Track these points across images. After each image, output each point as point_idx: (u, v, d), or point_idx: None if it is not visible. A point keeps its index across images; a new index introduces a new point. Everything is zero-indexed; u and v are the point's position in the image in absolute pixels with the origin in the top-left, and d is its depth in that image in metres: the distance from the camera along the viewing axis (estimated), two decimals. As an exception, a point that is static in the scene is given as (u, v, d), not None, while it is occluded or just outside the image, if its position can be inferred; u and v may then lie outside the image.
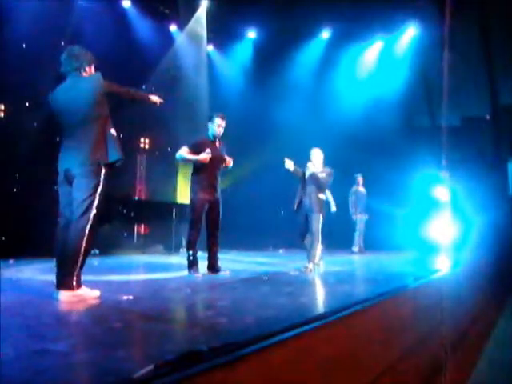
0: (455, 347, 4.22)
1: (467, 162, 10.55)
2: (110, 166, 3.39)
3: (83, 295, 3.23)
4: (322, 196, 6.08)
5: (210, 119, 5.24)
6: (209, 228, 5.19)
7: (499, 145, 11.25)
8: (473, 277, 6.28)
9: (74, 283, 3.19)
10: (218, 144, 5.27)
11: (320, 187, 6.06)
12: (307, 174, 6.10)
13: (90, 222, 3.24)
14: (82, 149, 3.31)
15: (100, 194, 3.32)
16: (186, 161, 5.33)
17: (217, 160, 5.13)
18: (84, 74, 3.52)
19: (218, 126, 5.19)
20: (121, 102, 3.59)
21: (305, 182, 6.10)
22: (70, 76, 3.49)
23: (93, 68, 3.59)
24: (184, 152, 5.12)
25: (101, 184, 3.32)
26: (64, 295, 3.17)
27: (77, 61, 3.47)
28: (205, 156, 4.96)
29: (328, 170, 6.17)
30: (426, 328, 3.75)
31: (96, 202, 3.29)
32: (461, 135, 11.15)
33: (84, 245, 3.21)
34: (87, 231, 3.23)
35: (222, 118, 5.23)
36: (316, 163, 6.18)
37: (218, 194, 5.22)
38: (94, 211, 3.27)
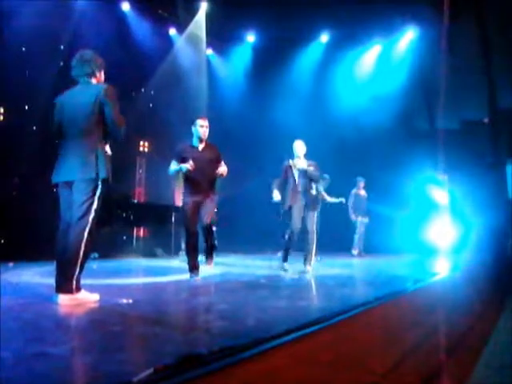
0: (454, 350, 4.22)
1: (466, 165, 10.57)
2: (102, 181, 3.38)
3: (82, 299, 3.23)
4: (313, 191, 6.12)
5: (192, 123, 5.23)
6: (201, 223, 5.14)
7: (498, 148, 11.25)
8: (472, 280, 6.28)
9: (74, 287, 3.19)
10: (202, 148, 5.21)
11: (312, 181, 6.09)
12: (296, 169, 6.06)
13: (89, 225, 3.25)
14: (81, 155, 3.31)
15: (99, 198, 3.32)
16: (176, 172, 5.36)
17: (202, 164, 5.06)
18: (94, 80, 3.54)
19: (200, 126, 5.18)
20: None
21: (288, 181, 6.08)
22: (80, 81, 3.51)
23: (102, 74, 3.61)
24: (172, 166, 5.20)
25: (99, 187, 3.33)
26: (63, 299, 3.17)
27: (88, 66, 3.49)
28: (187, 165, 4.94)
29: (313, 162, 6.13)
30: (425, 331, 3.75)
31: (95, 205, 3.30)
32: (459, 138, 11.17)
33: (83, 248, 3.21)
34: (86, 234, 3.23)
35: (204, 119, 5.25)
36: (300, 156, 6.16)
37: (209, 195, 5.16)
38: (92, 214, 3.28)
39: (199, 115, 5.39)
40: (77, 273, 3.21)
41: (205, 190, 5.13)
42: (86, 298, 3.26)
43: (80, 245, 3.20)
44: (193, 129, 5.23)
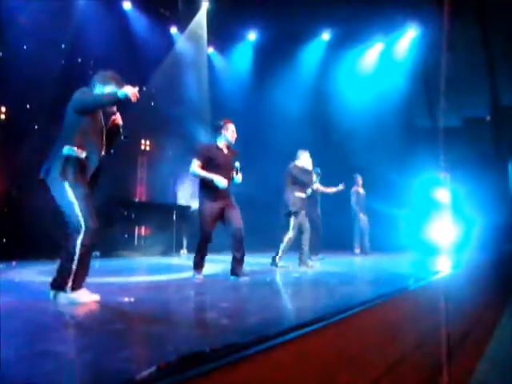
0: (456, 349, 4.22)
1: (468, 162, 10.57)
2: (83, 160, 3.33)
3: (77, 298, 3.18)
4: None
5: (222, 127, 5.02)
6: (230, 234, 4.96)
7: (499, 145, 11.26)
8: (474, 278, 6.28)
9: (70, 284, 3.16)
10: (226, 151, 5.06)
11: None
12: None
13: (81, 226, 3.17)
14: (51, 155, 3.32)
15: (81, 199, 3.21)
16: (201, 177, 4.98)
17: (227, 168, 4.96)
18: None
19: (233, 131, 5.03)
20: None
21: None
22: None
23: (106, 87, 3.53)
24: (196, 167, 4.91)
25: (68, 188, 3.21)
26: (60, 296, 3.17)
27: (92, 83, 3.56)
28: (222, 182, 4.81)
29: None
30: (426, 329, 3.76)
31: (78, 207, 3.19)
32: (461, 136, 11.18)
33: (78, 252, 3.15)
34: (81, 235, 3.16)
35: (233, 122, 5.09)
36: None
37: (230, 199, 5.01)
38: (79, 216, 3.18)
39: (227, 118, 5.15)
40: (73, 271, 3.16)
41: (224, 194, 4.96)
42: (83, 297, 3.21)
43: (71, 247, 3.16)
44: (223, 132, 5.02)
